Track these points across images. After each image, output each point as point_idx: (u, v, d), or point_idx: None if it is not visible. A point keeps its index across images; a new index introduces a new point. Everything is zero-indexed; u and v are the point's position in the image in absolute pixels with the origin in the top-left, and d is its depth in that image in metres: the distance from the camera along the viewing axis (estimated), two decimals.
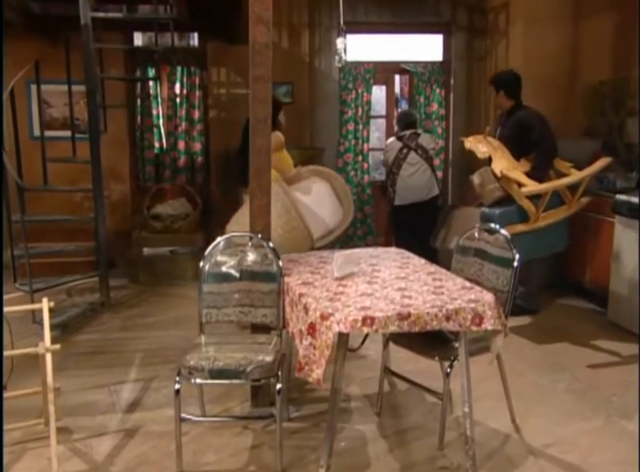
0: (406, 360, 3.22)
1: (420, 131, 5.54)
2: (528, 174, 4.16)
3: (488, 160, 4.32)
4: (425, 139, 5.43)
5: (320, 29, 6.07)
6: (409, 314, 2.32)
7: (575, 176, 4.26)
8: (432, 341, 2.75)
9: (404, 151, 5.39)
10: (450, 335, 2.68)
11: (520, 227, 4.08)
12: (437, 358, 2.78)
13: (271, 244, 2.93)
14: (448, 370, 2.67)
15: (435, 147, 5.75)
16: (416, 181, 5.27)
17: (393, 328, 2.31)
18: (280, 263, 2.87)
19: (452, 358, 2.64)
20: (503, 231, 2.92)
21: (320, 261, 3.16)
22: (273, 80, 5.88)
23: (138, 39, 6.03)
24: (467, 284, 2.68)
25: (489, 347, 2.69)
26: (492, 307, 2.42)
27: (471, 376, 2.54)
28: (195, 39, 6.14)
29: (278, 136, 4.05)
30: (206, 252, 2.93)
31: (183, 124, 6.05)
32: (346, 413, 3.10)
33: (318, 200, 3.75)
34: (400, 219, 5.49)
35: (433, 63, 6.34)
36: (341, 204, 3.84)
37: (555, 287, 4.98)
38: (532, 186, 4.09)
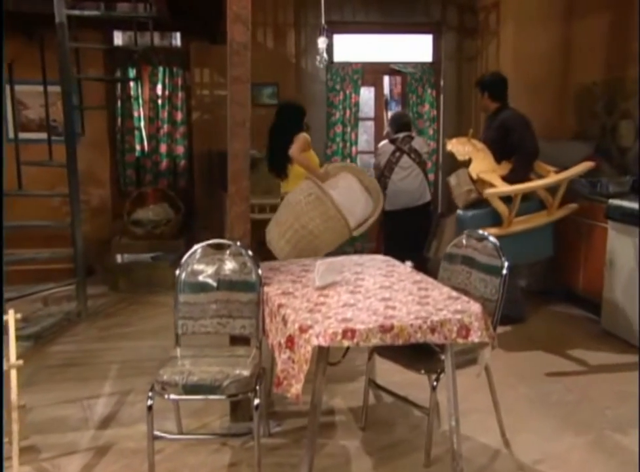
0: (392, 372, 3.15)
1: (414, 134, 5.50)
2: (506, 177, 4.12)
3: (468, 162, 4.29)
4: (418, 143, 5.38)
5: (307, 29, 6.01)
6: (392, 327, 2.26)
7: (549, 178, 4.20)
8: (417, 354, 2.69)
9: (397, 154, 5.31)
10: (436, 348, 2.62)
11: (493, 231, 3.93)
12: (422, 371, 2.71)
13: (250, 253, 2.86)
14: (435, 383, 2.62)
15: (428, 150, 5.68)
16: (408, 186, 5.20)
17: (375, 341, 2.24)
18: (260, 271, 2.81)
19: (439, 371, 2.58)
20: (491, 238, 2.87)
21: (302, 269, 3.09)
22: (258, 81, 5.81)
23: (118, 38, 5.95)
24: (454, 293, 2.62)
25: (477, 359, 2.63)
26: (479, 318, 2.36)
27: (458, 389, 2.48)
28: (177, 39, 6.08)
29: (306, 137, 4.24)
30: (183, 260, 2.87)
31: (165, 126, 5.99)
32: (329, 427, 3.03)
33: (347, 192, 4.00)
34: (390, 225, 5.43)
35: (422, 64, 6.30)
36: (371, 196, 4.10)
37: (547, 294, 4.95)
38: (498, 187, 4.05)
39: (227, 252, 2.88)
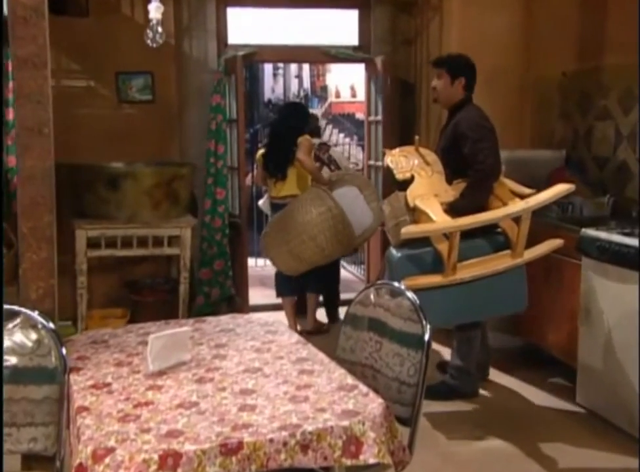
0: None
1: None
2: (454, 204, 3.83)
3: (408, 183, 3.98)
4: (337, 153, 5.36)
5: None
6: (240, 446, 1.82)
7: (506, 208, 3.88)
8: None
9: (316, 165, 5.26)
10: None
11: (434, 279, 3.74)
12: None
13: (51, 324, 2.40)
14: None
15: (348, 165, 5.44)
16: None
17: (212, 471, 1.80)
18: (64, 351, 2.36)
19: None
20: (409, 294, 2.50)
21: (141, 341, 2.65)
22: (126, 68, 5.48)
23: None
24: (349, 380, 2.24)
25: None
26: (376, 426, 1.95)
27: None
28: (3, 6, 5.61)
29: (310, 140, 4.92)
30: None
31: None
32: None
33: (352, 205, 4.82)
34: None
35: (346, 47, 6.12)
36: (370, 208, 4.97)
37: (505, 353, 4.73)
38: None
39: (14, 323, 2.41)
